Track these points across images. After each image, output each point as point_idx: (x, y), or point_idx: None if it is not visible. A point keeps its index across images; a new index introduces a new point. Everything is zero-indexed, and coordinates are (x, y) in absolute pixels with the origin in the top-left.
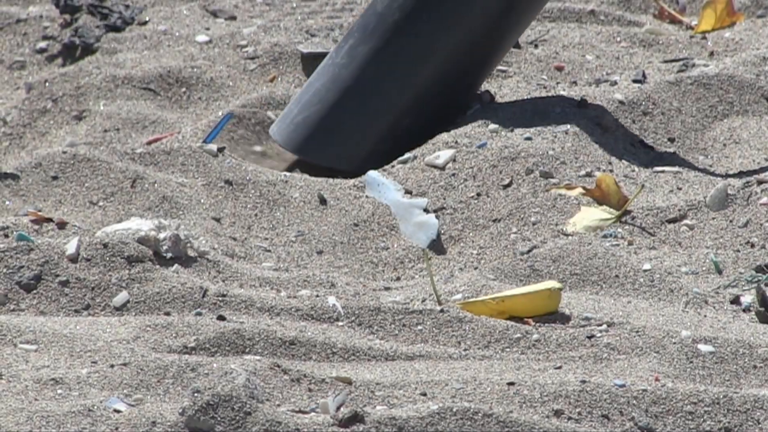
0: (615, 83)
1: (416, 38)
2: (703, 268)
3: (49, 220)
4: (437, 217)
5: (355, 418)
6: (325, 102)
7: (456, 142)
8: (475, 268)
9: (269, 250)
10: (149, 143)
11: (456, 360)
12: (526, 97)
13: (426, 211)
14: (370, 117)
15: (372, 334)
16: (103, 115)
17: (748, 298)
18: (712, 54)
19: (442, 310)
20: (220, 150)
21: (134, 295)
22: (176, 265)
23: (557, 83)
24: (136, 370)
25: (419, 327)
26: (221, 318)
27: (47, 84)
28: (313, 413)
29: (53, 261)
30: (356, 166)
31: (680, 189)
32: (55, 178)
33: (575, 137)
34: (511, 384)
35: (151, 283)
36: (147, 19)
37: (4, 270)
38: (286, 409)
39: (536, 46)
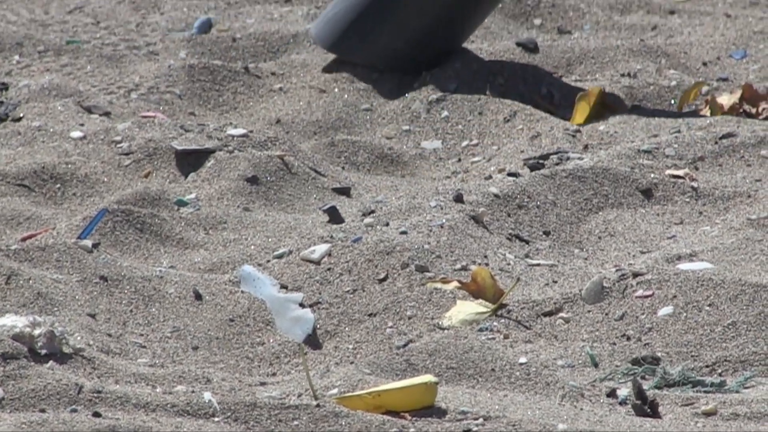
0: (490, 177)
1: None
2: (579, 361)
3: None
4: (313, 311)
5: None
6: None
7: (331, 236)
8: (351, 363)
9: (144, 346)
10: (24, 239)
11: None
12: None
13: (302, 305)
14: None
15: (248, 429)
16: None
17: (624, 391)
18: (586, 147)
19: (318, 405)
20: (95, 246)
21: (9, 392)
22: (51, 362)
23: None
24: None
25: (295, 422)
26: (97, 414)
27: None
28: None
29: None
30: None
31: (556, 282)
32: None
33: (450, 231)
34: None
35: (26, 380)
36: (21, 115)
37: None
38: None
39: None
